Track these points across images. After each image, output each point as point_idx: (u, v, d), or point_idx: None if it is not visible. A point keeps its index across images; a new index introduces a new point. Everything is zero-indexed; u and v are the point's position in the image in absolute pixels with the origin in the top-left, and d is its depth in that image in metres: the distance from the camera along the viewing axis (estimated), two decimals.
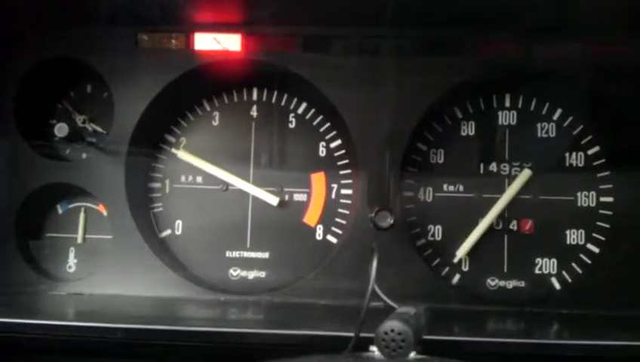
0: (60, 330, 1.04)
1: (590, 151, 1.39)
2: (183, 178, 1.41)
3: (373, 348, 0.84)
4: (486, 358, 0.90)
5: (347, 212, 1.39)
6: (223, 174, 1.38)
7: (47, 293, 1.32)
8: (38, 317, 1.09)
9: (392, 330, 0.81)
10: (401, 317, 0.86)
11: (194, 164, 1.39)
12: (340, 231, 1.39)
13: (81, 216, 1.38)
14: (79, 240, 1.37)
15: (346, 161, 1.40)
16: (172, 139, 1.43)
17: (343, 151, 1.41)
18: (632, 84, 1.29)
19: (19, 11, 1.29)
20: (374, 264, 0.96)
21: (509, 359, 0.92)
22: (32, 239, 1.38)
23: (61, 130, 1.23)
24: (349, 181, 1.40)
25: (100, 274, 1.33)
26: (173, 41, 1.35)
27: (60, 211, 1.39)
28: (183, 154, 1.39)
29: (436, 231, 1.39)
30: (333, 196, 1.40)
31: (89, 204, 1.38)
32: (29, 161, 1.34)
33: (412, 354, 0.83)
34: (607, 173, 1.37)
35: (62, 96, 1.43)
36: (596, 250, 1.36)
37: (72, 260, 1.37)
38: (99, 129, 1.39)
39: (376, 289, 0.96)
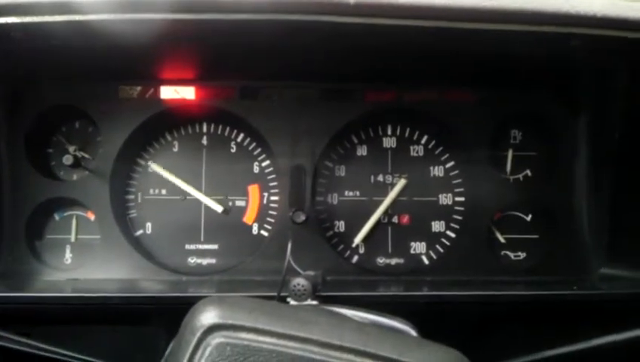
0: (61, 300, 1.26)
1: (447, 165, 1.61)
2: (151, 191, 1.59)
3: (289, 299, 1.08)
4: (371, 306, 1.03)
5: (275, 213, 1.57)
6: (182, 185, 1.56)
7: (51, 279, 1.49)
8: (45, 292, 1.33)
9: (299, 283, 1.08)
10: (305, 276, 1.10)
11: (162, 175, 1.57)
12: (269, 227, 1.57)
13: (74, 221, 1.57)
14: (73, 239, 1.56)
15: (274, 175, 1.59)
16: (143, 163, 1.61)
17: (271, 169, 1.59)
18: (471, 117, 1.56)
19: (34, 72, 1.46)
20: (289, 247, 1.31)
21: (388, 306, 1.06)
22: (38, 240, 1.55)
23: (67, 160, 1.44)
24: (276, 190, 1.58)
25: (90, 264, 1.51)
26: (145, 91, 1.55)
27: (57, 218, 1.57)
28: (154, 168, 1.58)
29: (340, 225, 1.59)
30: (264, 202, 1.59)
31: (80, 212, 1.57)
32: (35, 182, 1.51)
33: (312, 301, 1.08)
34: (459, 180, 1.60)
35: (56, 130, 1.60)
36: (452, 235, 1.58)
37: (68, 255, 1.56)
38: (86, 155, 1.58)
39: (291, 262, 1.20)
